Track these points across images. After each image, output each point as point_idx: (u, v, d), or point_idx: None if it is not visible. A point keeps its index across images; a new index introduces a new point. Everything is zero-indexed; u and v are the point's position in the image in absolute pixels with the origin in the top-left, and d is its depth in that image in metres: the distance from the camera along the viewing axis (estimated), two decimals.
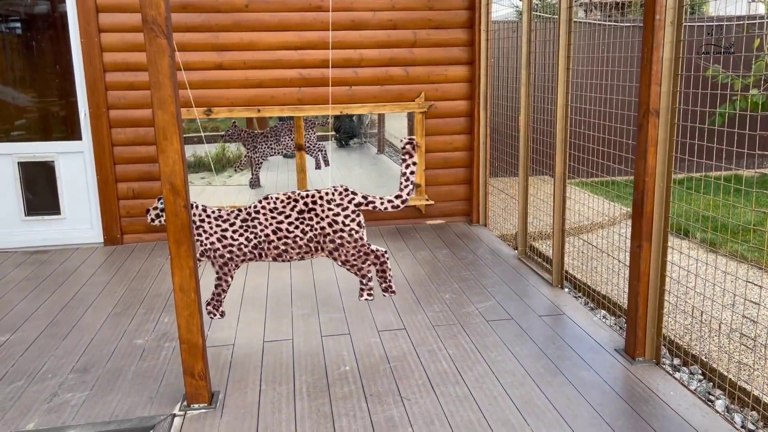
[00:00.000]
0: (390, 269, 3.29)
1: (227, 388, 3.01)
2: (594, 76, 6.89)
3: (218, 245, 3.22)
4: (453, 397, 2.90)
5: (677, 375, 3.39)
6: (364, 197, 3.14)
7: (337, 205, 3.12)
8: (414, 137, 3.12)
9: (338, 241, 3.14)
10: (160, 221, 3.29)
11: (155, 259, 5.03)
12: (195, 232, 3.22)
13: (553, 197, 4.23)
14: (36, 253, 5.29)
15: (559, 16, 4.03)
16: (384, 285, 3.32)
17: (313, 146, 5.84)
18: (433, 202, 5.95)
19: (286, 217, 3.14)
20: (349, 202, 3.13)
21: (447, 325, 3.68)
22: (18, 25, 5.20)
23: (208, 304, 3.41)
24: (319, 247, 3.19)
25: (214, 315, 3.42)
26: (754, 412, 3.10)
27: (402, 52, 5.62)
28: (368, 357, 3.30)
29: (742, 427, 3.02)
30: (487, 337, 3.52)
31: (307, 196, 3.14)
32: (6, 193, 5.33)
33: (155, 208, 3.29)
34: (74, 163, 5.37)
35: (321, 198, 3.13)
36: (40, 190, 5.39)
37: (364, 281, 3.33)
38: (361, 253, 3.19)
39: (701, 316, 4.12)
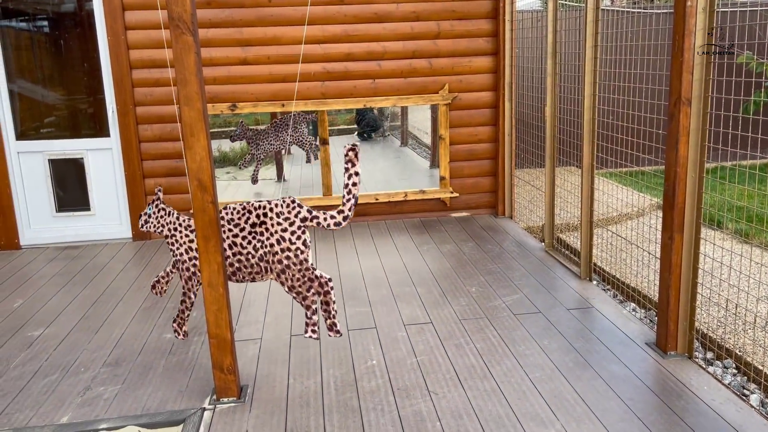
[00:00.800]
0: (335, 302, 3.00)
1: (256, 382, 3.03)
2: (622, 65, 6.77)
3: (185, 257, 3.09)
4: (481, 391, 2.88)
5: (710, 369, 3.33)
6: (309, 212, 2.89)
7: (285, 219, 2.88)
8: (357, 144, 2.79)
9: (285, 261, 2.91)
10: (147, 228, 3.20)
11: None
12: (170, 239, 3.15)
13: (580, 188, 4.17)
14: (67, 248, 5.39)
15: (585, 4, 3.95)
16: (329, 321, 3.03)
17: (305, 140, 5.85)
18: (458, 195, 5.91)
19: (241, 230, 2.94)
20: (296, 216, 2.89)
21: (474, 319, 3.66)
22: (46, 23, 5.28)
23: (174, 321, 3.34)
24: (269, 268, 2.95)
25: (178, 334, 3.36)
26: None
27: (425, 43, 5.58)
28: (395, 351, 3.30)
29: None
30: (515, 330, 3.49)
31: (260, 207, 2.92)
32: (37, 189, 5.42)
33: (145, 214, 3.21)
34: (103, 160, 5.45)
35: (271, 210, 2.90)
36: (70, 187, 5.48)
37: (308, 314, 3.02)
38: (306, 278, 2.94)
39: (735, 308, 4.04)
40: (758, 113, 6.50)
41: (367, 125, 7.49)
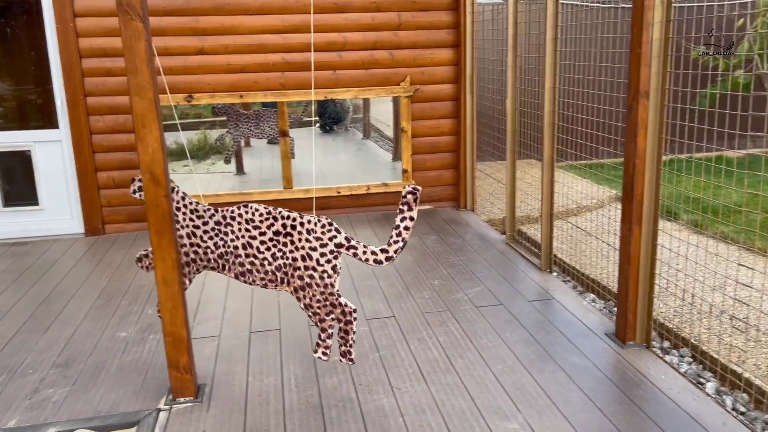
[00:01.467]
0: (354, 333, 2.81)
1: (214, 381, 2.95)
2: (582, 57, 6.83)
3: (186, 240, 2.92)
4: (444, 385, 2.86)
5: (667, 358, 3.38)
6: (347, 239, 2.68)
7: (316, 239, 2.68)
8: (419, 187, 2.63)
9: (307, 279, 2.72)
10: (138, 196, 2.99)
11: (138, 250, 4.94)
12: None
13: (541, 181, 4.18)
14: (15, 244, 5.17)
15: None
16: (343, 349, 2.83)
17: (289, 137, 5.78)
18: (420, 188, 5.88)
19: (261, 233, 2.76)
20: (330, 239, 2.68)
21: (436, 312, 3.64)
22: None
23: (159, 304, 3.22)
24: (286, 281, 2.78)
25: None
26: (744, 395, 3.10)
27: (387, 35, 5.53)
28: (357, 346, 3.25)
29: (733, 409, 3.01)
30: (477, 323, 3.48)
31: (288, 217, 2.73)
32: None
33: (139, 180, 2.99)
34: (52, 152, 5.24)
35: (302, 224, 2.71)
36: (17, 181, 5.25)
37: (323, 336, 2.83)
38: (328, 303, 2.75)
39: (691, 298, 4.12)
40: (714, 105, 6.65)
41: (329, 118, 7.39)
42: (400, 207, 2.62)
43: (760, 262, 4.60)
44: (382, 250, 2.66)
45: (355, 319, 2.79)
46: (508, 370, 2.98)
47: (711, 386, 3.17)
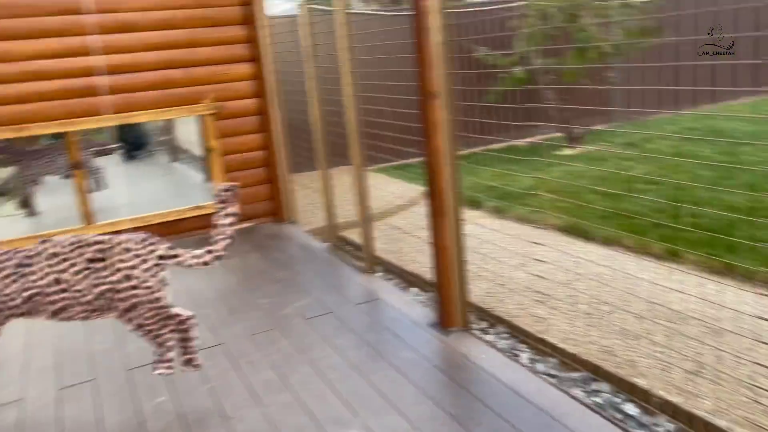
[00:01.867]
0: (196, 338, 2.79)
1: None
2: (379, 64, 7.12)
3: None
4: (280, 405, 2.80)
5: (486, 338, 3.63)
6: (169, 248, 2.66)
7: (136, 256, 2.60)
8: (235, 184, 2.66)
9: (133, 300, 2.60)
10: None
11: None
12: None
13: (354, 186, 4.29)
14: None
15: (334, 8, 4.05)
16: (186, 357, 2.80)
17: (92, 167, 5.33)
18: (236, 184, 5.73)
19: (72, 265, 2.59)
20: (150, 253, 2.62)
21: (266, 332, 3.56)
22: None
23: None
24: (110, 306, 2.64)
25: None
26: (553, 359, 3.42)
27: (181, 53, 5.30)
28: (185, 381, 3.06)
29: (546, 374, 3.32)
30: (308, 336, 3.46)
31: (97, 243, 2.60)
32: None
33: None
34: None
35: (118, 245, 2.60)
36: None
37: (160, 351, 2.74)
38: (159, 318, 2.67)
39: (500, 279, 4.47)
40: (506, 101, 7.31)
41: (130, 144, 6.93)
42: (219, 206, 2.66)
43: (549, 238, 5.13)
44: (209, 251, 2.69)
45: (193, 325, 2.75)
46: (342, 377, 3.00)
47: (525, 357, 3.47)
